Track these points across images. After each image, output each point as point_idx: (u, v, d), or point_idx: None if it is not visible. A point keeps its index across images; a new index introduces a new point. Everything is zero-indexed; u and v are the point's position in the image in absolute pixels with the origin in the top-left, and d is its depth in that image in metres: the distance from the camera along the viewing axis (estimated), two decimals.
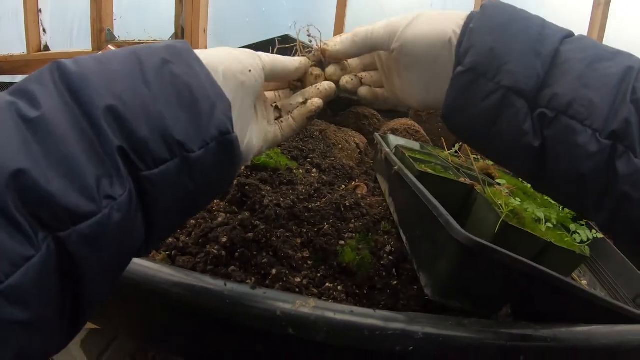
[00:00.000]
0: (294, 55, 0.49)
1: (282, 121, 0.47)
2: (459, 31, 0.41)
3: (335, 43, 0.46)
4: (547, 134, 0.38)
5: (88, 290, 0.28)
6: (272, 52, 0.47)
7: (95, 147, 0.27)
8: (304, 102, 0.48)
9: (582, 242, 0.61)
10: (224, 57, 0.37)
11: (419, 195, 0.51)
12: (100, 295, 0.30)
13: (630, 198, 0.36)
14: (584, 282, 0.71)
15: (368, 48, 0.46)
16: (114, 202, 0.27)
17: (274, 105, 0.48)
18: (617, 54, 0.39)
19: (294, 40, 1.30)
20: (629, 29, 1.61)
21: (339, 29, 1.69)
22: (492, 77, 0.39)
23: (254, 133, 0.42)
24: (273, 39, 1.28)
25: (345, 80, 0.49)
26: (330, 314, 0.43)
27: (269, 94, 0.49)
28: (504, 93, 0.38)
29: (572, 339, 0.44)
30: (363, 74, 0.51)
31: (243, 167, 0.67)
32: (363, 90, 0.51)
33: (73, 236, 0.25)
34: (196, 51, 0.35)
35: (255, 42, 1.27)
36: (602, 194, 0.38)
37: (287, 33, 1.29)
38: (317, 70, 0.49)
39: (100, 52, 0.31)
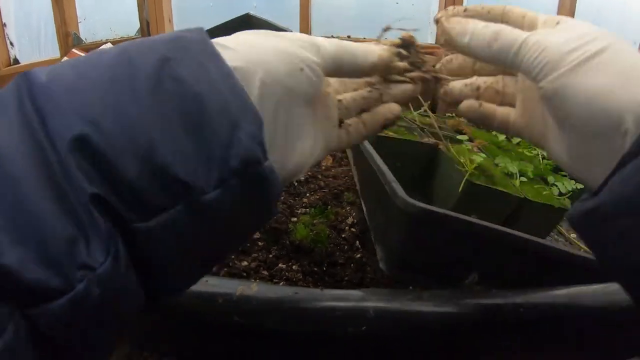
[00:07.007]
0: None
1: (349, 124, 0.33)
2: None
3: (464, 32, 0.31)
4: None
5: None
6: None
7: (66, 195, 0.19)
8: (378, 104, 0.34)
9: (561, 194, 0.56)
10: (265, 53, 0.25)
11: (370, 162, 0.46)
12: None
13: None
14: (573, 236, 0.66)
15: (504, 64, 0.31)
16: (92, 274, 0.19)
17: (338, 99, 0.34)
18: None
19: (256, 19, 1.22)
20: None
21: (304, 7, 1.62)
22: None
23: (310, 142, 0.29)
24: (233, 20, 1.22)
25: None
26: (272, 296, 0.38)
27: (333, 81, 0.34)
28: None
29: (550, 304, 0.39)
30: (484, 81, 0.35)
31: None
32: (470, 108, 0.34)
33: (44, 316, 0.19)
34: (219, 40, 0.24)
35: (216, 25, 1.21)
36: None
37: (248, 12, 1.23)
38: (403, 64, 0.34)
39: (86, 54, 0.22)
